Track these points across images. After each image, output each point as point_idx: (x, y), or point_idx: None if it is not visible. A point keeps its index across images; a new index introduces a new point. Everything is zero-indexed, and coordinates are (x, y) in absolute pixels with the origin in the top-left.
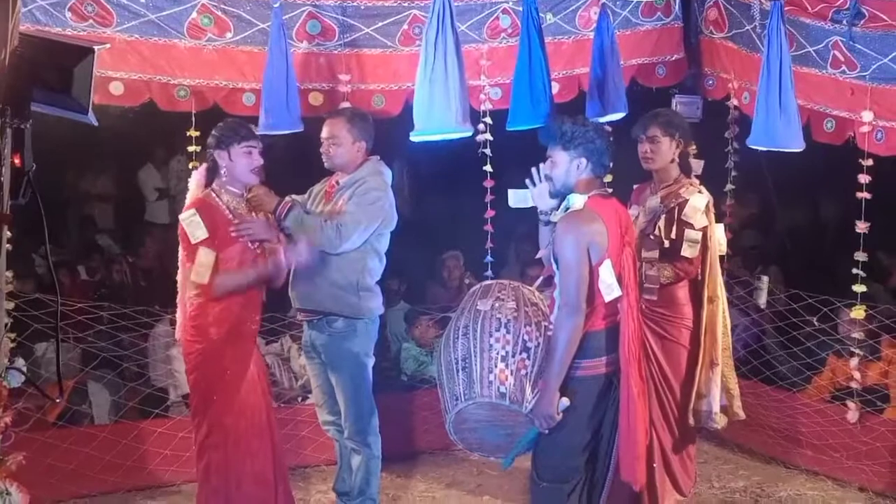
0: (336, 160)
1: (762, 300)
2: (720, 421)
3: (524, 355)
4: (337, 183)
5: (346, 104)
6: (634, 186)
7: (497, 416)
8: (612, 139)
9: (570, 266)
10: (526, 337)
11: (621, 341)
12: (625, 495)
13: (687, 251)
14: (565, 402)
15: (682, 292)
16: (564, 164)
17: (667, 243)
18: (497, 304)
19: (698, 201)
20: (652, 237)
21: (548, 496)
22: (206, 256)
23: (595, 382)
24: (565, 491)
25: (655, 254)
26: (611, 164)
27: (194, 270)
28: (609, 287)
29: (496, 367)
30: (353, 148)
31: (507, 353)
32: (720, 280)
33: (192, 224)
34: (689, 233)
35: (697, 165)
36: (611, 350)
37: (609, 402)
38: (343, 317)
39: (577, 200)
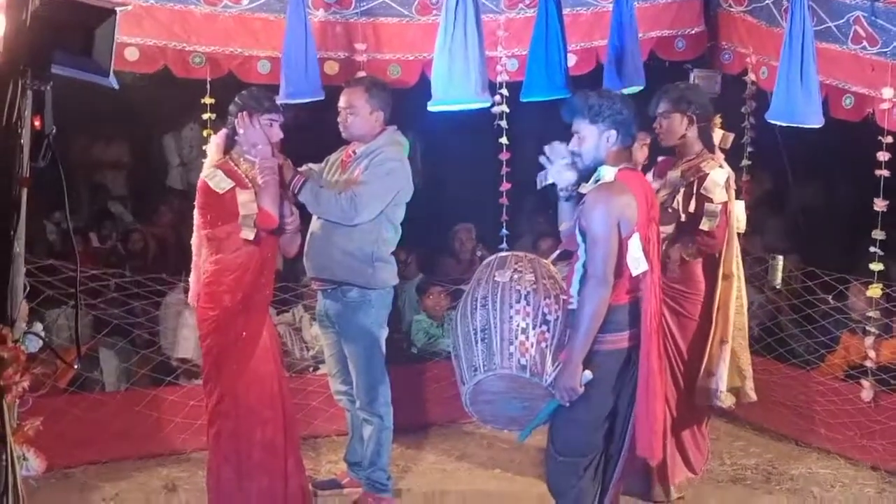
0: (353, 130)
1: (777, 280)
2: (726, 400)
3: (544, 328)
4: (354, 152)
5: (362, 73)
6: (659, 159)
7: (516, 389)
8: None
9: (599, 238)
10: (546, 310)
11: (643, 316)
12: (638, 469)
13: (705, 224)
14: (588, 374)
15: (699, 268)
16: (594, 139)
17: (684, 217)
18: (516, 276)
19: (718, 175)
20: (670, 210)
21: (564, 470)
22: (247, 195)
23: (617, 357)
24: (582, 465)
25: (671, 228)
26: (637, 134)
27: (243, 207)
28: (636, 261)
29: (517, 338)
30: (371, 118)
31: (527, 325)
32: (738, 257)
33: (215, 179)
34: (707, 206)
35: (727, 139)
36: (633, 325)
37: (628, 377)
38: (357, 287)
39: (608, 172)
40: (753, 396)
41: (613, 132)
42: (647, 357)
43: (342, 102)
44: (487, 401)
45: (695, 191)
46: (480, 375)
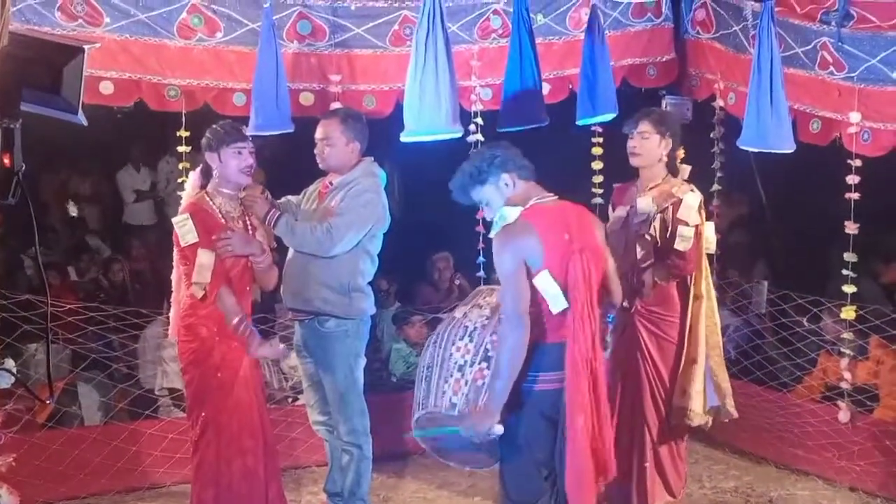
0: (330, 161)
1: (762, 306)
2: (695, 418)
3: (484, 364)
4: (331, 183)
5: (336, 104)
6: (615, 186)
7: (452, 425)
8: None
9: (507, 279)
10: (490, 346)
11: (568, 354)
12: (617, 495)
13: (679, 245)
14: (499, 429)
15: (674, 290)
16: (493, 195)
17: (660, 242)
18: (470, 311)
19: (692, 199)
20: (648, 237)
21: None
22: (205, 257)
23: (551, 398)
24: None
25: (650, 255)
26: (528, 164)
27: (196, 271)
28: (554, 298)
29: (451, 376)
30: (347, 149)
31: (465, 362)
32: (709, 279)
33: (183, 228)
34: (682, 229)
35: (684, 171)
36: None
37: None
38: (334, 317)
39: (509, 213)
40: (734, 413)
41: (506, 176)
42: (574, 394)
43: (319, 134)
44: (432, 437)
45: (671, 216)
46: (417, 413)
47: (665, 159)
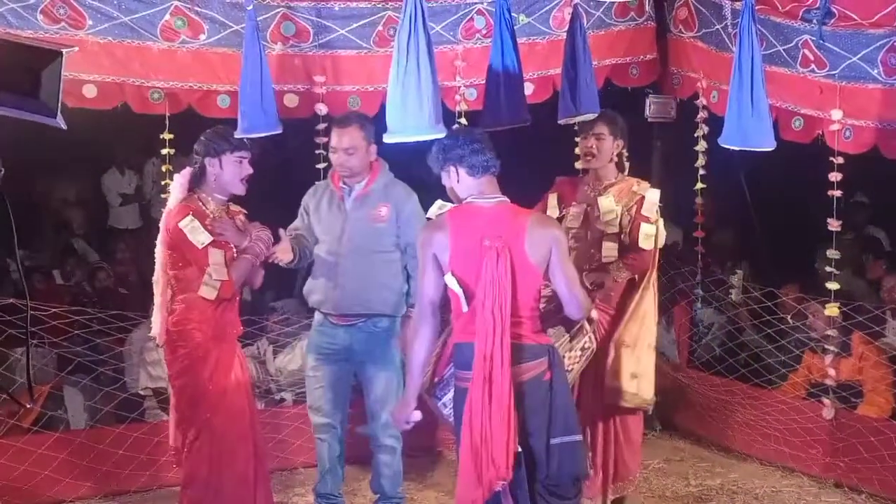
0: (354, 168)
1: (736, 295)
2: (630, 400)
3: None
4: (345, 185)
5: (321, 106)
6: (558, 179)
7: None
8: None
9: (420, 271)
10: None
11: (475, 355)
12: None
13: (644, 243)
14: (417, 415)
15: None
16: (445, 181)
17: (627, 240)
18: None
19: (654, 196)
20: (622, 237)
21: None
22: (218, 255)
23: (465, 394)
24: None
25: (616, 253)
26: (483, 161)
27: (214, 270)
28: (461, 297)
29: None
30: (368, 153)
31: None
32: (656, 270)
33: (194, 230)
34: (644, 226)
35: (627, 166)
36: None
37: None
38: (387, 316)
39: (436, 208)
40: (649, 399)
41: (452, 168)
42: (473, 397)
43: (344, 143)
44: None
45: (635, 213)
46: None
47: (615, 159)
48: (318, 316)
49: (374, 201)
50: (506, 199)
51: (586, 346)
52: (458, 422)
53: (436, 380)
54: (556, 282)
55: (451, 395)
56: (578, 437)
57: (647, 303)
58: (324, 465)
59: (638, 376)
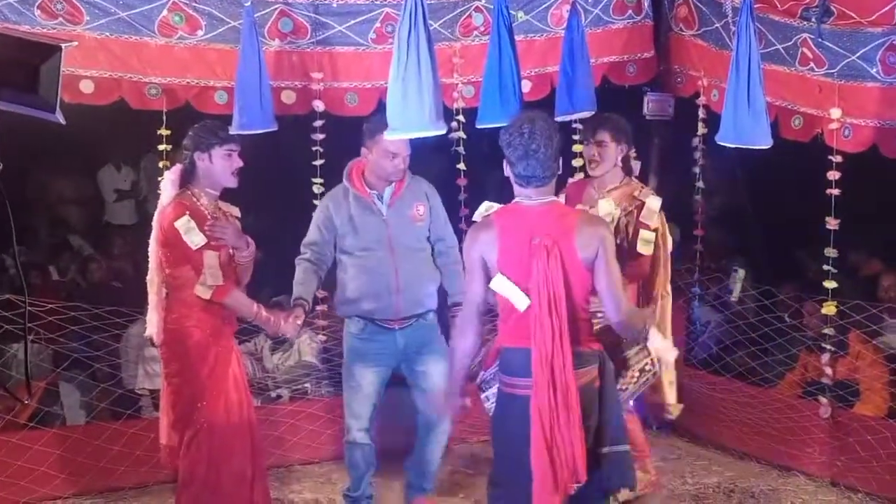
0: (402, 171)
1: (736, 292)
2: (674, 411)
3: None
4: (371, 190)
5: (318, 102)
6: (569, 182)
7: None
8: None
9: (467, 274)
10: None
11: (533, 362)
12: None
13: (643, 249)
14: (467, 401)
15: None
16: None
17: (625, 244)
18: None
19: (655, 203)
20: (618, 242)
21: (491, 499)
22: (213, 258)
23: (515, 402)
24: (502, 498)
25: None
26: (535, 172)
27: (209, 274)
28: (514, 299)
29: None
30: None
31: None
32: (668, 278)
33: (189, 231)
34: (643, 233)
35: (635, 167)
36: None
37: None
38: (432, 311)
39: (483, 209)
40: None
41: (507, 168)
42: (534, 398)
43: (403, 150)
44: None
45: (634, 219)
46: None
47: (620, 163)
48: (358, 323)
49: (409, 201)
50: (557, 199)
51: (647, 368)
52: (497, 423)
53: (483, 373)
54: (597, 279)
55: (494, 390)
56: (627, 447)
57: (667, 312)
58: (359, 469)
59: (673, 383)
